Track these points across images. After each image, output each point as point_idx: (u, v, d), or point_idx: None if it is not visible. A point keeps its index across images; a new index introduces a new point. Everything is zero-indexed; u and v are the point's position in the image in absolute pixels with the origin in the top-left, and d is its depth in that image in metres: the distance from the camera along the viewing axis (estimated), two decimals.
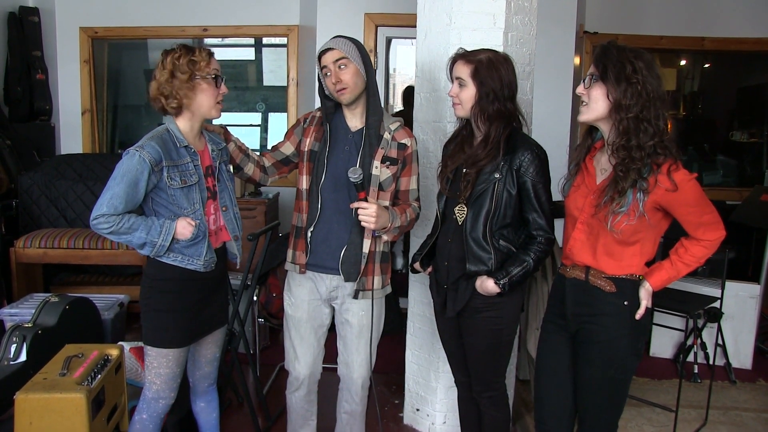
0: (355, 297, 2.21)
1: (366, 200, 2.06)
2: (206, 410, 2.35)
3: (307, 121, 2.26)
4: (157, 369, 2.06)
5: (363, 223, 2.06)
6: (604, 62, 1.78)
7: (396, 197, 2.25)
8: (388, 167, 2.16)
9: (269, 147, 2.27)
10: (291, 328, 2.30)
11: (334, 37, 2.15)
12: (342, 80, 2.08)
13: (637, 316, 1.85)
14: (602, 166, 1.89)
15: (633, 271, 1.85)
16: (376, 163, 2.14)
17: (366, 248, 2.16)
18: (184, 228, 1.96)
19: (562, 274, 1.98)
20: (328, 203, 2.17)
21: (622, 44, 1.82)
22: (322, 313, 2.28)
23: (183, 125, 2.00)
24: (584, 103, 1.84)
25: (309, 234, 2.19)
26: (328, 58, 2.10)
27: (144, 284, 2.05)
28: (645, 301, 1.85)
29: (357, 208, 2.05)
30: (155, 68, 1.99)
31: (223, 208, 2.12)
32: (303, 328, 2.27)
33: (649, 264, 1.90)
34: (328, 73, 2.11)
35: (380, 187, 2.16)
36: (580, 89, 1.86)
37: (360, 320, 2.24)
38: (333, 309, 2.31)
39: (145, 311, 2.05)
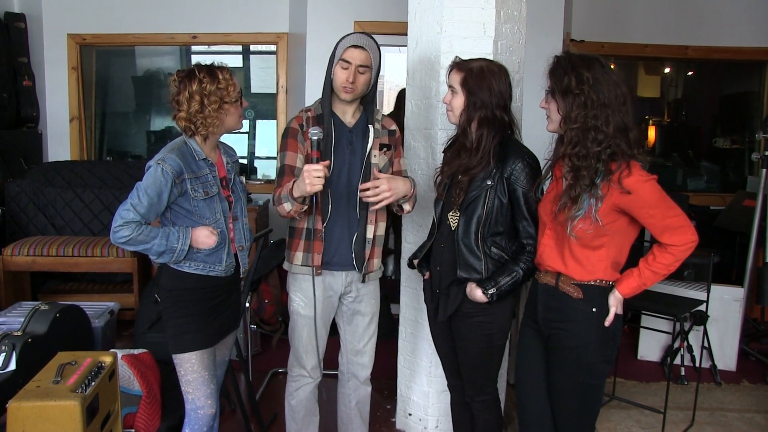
0: (363, 281, 2.29)
1: (322, 164, 1.99)
2: None
3: (304, 125, 2.22)
4: (184, 376, 2.06)
5: (377, 198, 2.07)
6: (552, 78, 1.84)
7: None
8: (384, 153, 2.28)
9: (282, 170, 2.20)
10: (303, 327, 2.28)
11: (366, 35, 2.17)
12: (355, 83, 2.15)
13: (606, 323, 1.85)
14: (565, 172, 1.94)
15: (599, 276, 1.85)
16: (375, 152, 2.24)
17: (370, 234, 2.25)
18: (207, 237, 1.99)
19: (536, 280, 2.01)
20: (336, 198, 2.21)
21: (575, 53, 1.86)
22: (332, 307, 2.33)
23: (200, 139, 2.02)
24: (548, 116, 1.91)
25: (323, 232, 2.21)
26: (357, 57, 2.13)
27: (162, 297, 2.07)
28: (614, 308, 1.85)
29: (367, 189, 2.07)
30: (175, 90, 1.96)
31: (234, 218, 2.12)
32: (316, 324, 2.28)
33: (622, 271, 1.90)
34: (347, 68, 2.14)
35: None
36: (542, 104, 1.92)
37: (372, 308, 2.34)
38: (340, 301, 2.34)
39: (166, 321, 2.06)
